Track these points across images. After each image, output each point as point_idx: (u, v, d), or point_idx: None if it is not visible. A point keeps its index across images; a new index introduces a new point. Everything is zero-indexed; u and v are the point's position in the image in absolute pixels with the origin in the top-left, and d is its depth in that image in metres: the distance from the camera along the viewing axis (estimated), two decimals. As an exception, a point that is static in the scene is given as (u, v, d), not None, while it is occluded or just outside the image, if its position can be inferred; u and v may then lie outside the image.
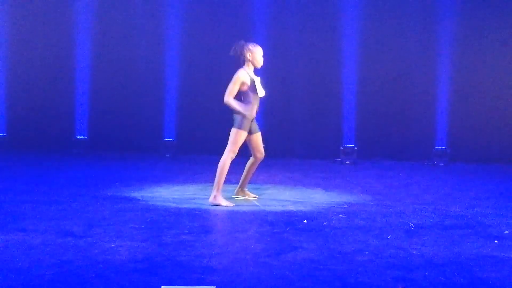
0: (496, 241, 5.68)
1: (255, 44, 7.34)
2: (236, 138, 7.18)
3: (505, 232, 6.05)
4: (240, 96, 7.24)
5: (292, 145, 11.70)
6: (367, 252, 5.21)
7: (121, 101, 11.83)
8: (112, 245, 5.24)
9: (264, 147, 7.59)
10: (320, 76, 11.47)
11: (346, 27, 11.46)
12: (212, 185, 7.18)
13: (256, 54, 7.24)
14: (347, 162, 11.18)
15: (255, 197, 7.59)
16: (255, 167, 7.57)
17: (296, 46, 11.58)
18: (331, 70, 11.53)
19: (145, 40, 11.79)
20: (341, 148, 11.35)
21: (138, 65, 11.82)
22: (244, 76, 7.18)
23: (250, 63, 7.24)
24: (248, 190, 7.66)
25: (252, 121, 7.28)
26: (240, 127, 7.16)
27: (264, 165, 8.02)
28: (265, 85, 7.40)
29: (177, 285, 4.29)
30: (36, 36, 11.95)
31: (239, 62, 7.31)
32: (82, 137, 11.83)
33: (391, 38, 11.44)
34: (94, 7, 11.79)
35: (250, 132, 7.29)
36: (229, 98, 7.15)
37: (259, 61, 7.27)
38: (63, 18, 11.82)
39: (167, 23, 11.75)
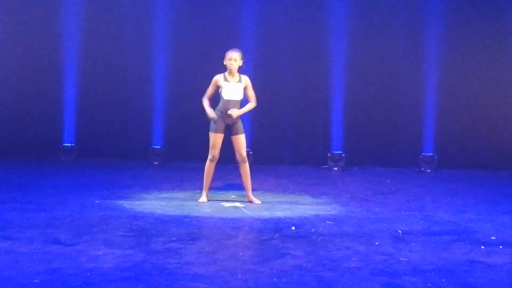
0: (483, 247, 5.70)
1: None
2: (210, 140, 7.70)
3: (492, 238, 6.08)
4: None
5: (280, 151, 11.70)
6: (354, 259, 5.22)
7: (108, 108, 11.79)
8: (100, 253, 5.23)
9: (251, 153, 7.70)
10: (308, 82, 11.49)
11: (334, 34, 11.47)
12: (201, 192, 7.32)
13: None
14: (335, 168, 11.18)
15: (258, 202, 7.71)
16: (243, 171, 7.75)
17: (284, 53, 11.59)
18: (319, 76, 11.55)
19: (133, 47, 11.75)
20: (329, 154, 11.35)
21: (126, 72, 11.78)
22: (216, 78, 7.70)
23: None
24: (252, 195, 7.83)
25: (229, 124, 7.62)
26: (210, 130, 7.69)
27: (252, 171, 8.02)
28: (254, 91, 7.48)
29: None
30: (23, 42, 11.87)
31: (223, 69, 7.60)
32: (69, 144, 11.77)
33: (378, 46, 11.48)
34: (82, 14, 11.75)
35: (230, 135, 7.69)
36: (203, 99, 7.71)
37: (226, 65, 7.68)
38: (50, 24, 11.76)
39: (155, 31, 11.72)
